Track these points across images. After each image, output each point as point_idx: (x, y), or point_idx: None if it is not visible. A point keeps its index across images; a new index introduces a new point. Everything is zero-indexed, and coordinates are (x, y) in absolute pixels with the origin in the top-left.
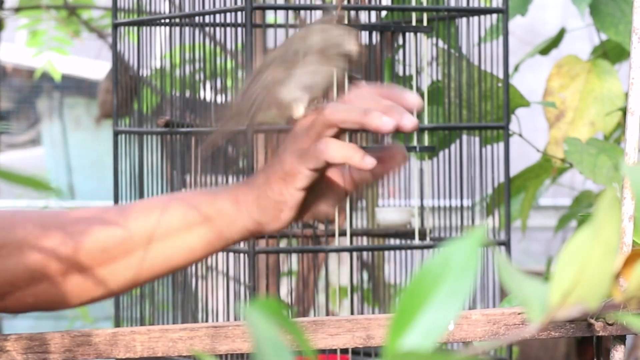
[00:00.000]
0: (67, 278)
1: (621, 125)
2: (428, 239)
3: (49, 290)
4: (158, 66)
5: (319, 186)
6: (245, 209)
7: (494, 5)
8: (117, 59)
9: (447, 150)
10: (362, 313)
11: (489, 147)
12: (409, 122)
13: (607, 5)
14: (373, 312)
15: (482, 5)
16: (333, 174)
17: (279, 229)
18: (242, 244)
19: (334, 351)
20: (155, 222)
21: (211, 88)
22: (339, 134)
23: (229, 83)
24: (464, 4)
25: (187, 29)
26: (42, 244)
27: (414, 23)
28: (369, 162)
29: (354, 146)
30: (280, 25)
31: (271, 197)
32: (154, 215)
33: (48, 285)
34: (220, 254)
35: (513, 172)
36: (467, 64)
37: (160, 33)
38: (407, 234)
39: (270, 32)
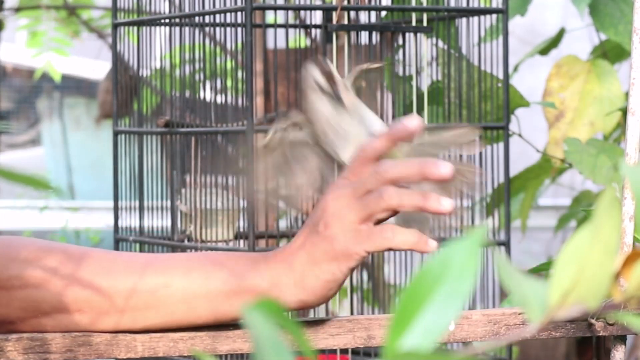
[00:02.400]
0: (96, 314)
1: (621, 126)
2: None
3: (69, 321)
4: (158, 66)
5: None
6: (288, 290)
7: (494, 5)
8: (117, 59)
9: (446, 151)
10: (362, 313)
11: (488, 147)
12: (449, 204)
13: (606, 5)
14: (373, 312)
15: (482, 5)
16: None
17: (323, 304)
18: (242, 244)
19: (334, 351)
20: (195, 286)
21: (211, 88)
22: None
23: (229, 83)
24: (464, 4)
25: (187, 29)
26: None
27: (414, 23)
28: (433, 246)
29: (418, 233)
30: (280, 25)
31: (320, 277)
32: (194, 277)
33: (68, 316)
34: None
35: (513, 172)
36: (467, 64)
37: (160, 33)
38: None
39: (270, 32)
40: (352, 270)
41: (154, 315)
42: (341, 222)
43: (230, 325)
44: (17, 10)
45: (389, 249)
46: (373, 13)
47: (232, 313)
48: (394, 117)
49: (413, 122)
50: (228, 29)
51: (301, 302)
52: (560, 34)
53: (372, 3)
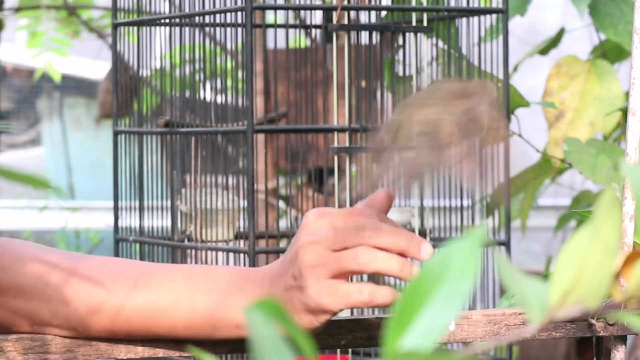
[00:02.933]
0: (98, 318)
1: (620, 126)
2: (428, 239)
3: (65, 332)
4: (158, 66)
5: None
6: None
7: (494, 5)
8: (117, 59)
9: None
10: (362, 313)
11: (488, 147)
12: (427, 252)
13: (606, 5)
14: (373, 312)
15: (482, 5)
16: None
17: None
18: (242, 244)
19: (334, 351)
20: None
21: (211, 88)
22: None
23: (229, 83)
24: (464, 4)
25: (187, 29)
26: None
27: (414, 23)
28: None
29: (392, 291)
30: (280, 25)
31: (300, 323)
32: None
33: (62, 331)
34: (220, 254)
35: (513, 172)
36: (467, 64)
37: (160, 33)
38: None
39: (270, 32)
40: (329, 319)
41: (154, 332)
42: (315, 276)
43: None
44: (17, 10)
45: (367, 306)
46: (373, 13)
47: (225, 336)
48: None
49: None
50: (228, 29)
51: None
52: (560, 34)
53: (372, 3)
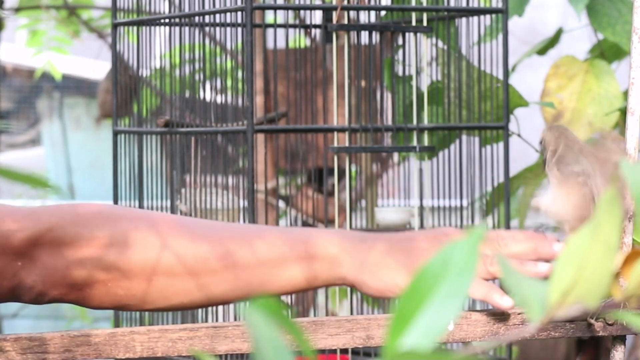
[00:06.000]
0: (163, 279)
1: (619, 126)
2: None
3: (138, 287)
4: (158, 66)
5: None
6: (351, 267)
7: (494, 5)
8: (117, 59)
9: (446, 150)
10: (361, 313)
11: (488, 147)
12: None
13: (604, 5)
14: (373, 312)
15: (482, 5)
16: None
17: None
18: None
19: (333, 351)
20: (263, 252)
21: (211, 88)
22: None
23: (229, 83)
24: (464, 4)
25: (187, 28)
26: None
27: (413, 23)
28: (508, 303)
29: (492, 285)
30: (280, 25)
31: (403, 283)
32: (257, 244)
33: (140, 282)
34: None
35: (512, 172)
36: (466, 64)
37: (160, 33)
38: None
39: (270, 32)
40: None
41: (229, 280)
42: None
43: (229, 325)
44: (17, 10)
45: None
46: (373, 13)
47: (301, 280)
48: (393, 117)
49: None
50: (228, 29)
51: (361, 283)
52: (558, 34)
53: (372, 3)
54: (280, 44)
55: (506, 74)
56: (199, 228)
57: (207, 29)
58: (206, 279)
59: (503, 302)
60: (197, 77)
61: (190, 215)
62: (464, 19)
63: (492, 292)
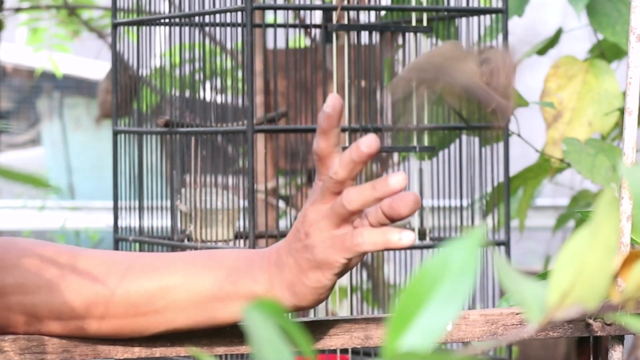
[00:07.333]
0: (105, 321)
1: (619, 125)
2: (428, 239)
3: (73, 327)
4: (158, 66)
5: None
6: (282, 295)
7: (494, 5)
8: (117, 59)
9: (446, 151)
10: (361, 313)
11: (488, 147)
12: (407, 239)
13: (603, 5)
14: (372, 312)
15: (482, 5)
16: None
17: (317, 306)
18: (242, 244)
19: (333, 351)
20: (193, 292)
21: (211, 88)
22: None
23: (229, 83)
24: (464, 4)
25: (187, 28)
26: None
27: (413, 23)
28: (407, 238)
29: (389, 229)
30: (280, 25)
31: (308, 285)
32: (192, 283)
33: (69, 323)
34: None
35: (512, 172)
36: None
37: (160, 33)
38: None
39: (270, 32)
40: (339, 275)
41: (156, 321)
42: (318, 230)
43: (228, 325)
44: (17, 10)
45: (365, 253)
46: (373, 13)
47: (229, 317)
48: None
49: (369, 142)
50: (228, 28)
51: (295, 306)
52: (558, 33)
53: (372, 3)
54: (280, 44)
55: None
56: (119, 262)
57: (207, 28)
58: (132, 320)
59: (404, 237)
60: (197, 77)
61: (191, 215)
62: (464, 19)
63: (387, 235)
